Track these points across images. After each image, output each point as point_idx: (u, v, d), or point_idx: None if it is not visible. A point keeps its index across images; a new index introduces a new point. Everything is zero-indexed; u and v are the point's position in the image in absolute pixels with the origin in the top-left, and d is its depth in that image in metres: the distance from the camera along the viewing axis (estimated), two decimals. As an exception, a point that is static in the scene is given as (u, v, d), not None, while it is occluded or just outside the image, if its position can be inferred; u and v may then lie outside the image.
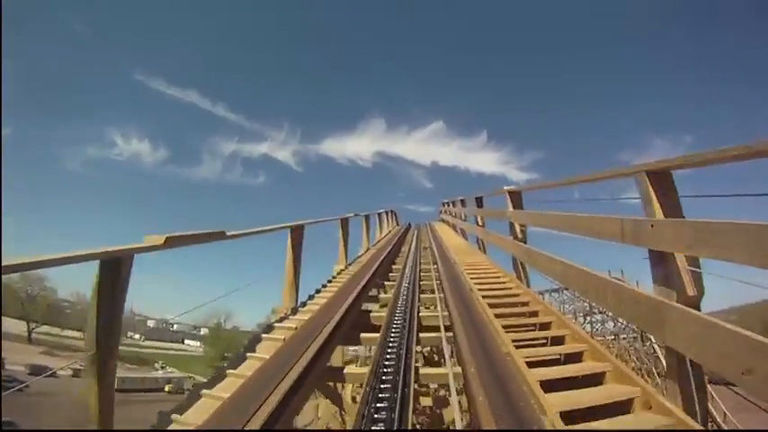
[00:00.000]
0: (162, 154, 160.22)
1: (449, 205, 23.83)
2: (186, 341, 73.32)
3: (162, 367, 57.78)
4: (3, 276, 2.81)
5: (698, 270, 3.18)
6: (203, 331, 68.60)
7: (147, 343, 62.01)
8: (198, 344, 64.86)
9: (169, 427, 3.26)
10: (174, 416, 3.36)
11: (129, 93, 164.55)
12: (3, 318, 46.39)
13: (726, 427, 15.48)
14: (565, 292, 28.70)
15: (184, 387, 46.15)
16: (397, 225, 25.44)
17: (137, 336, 54.97)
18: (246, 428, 2.57)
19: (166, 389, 46.41)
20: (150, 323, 77.29)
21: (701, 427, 2.90)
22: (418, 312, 5.62)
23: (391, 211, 24.45)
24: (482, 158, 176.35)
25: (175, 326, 74.84)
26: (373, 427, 2.64)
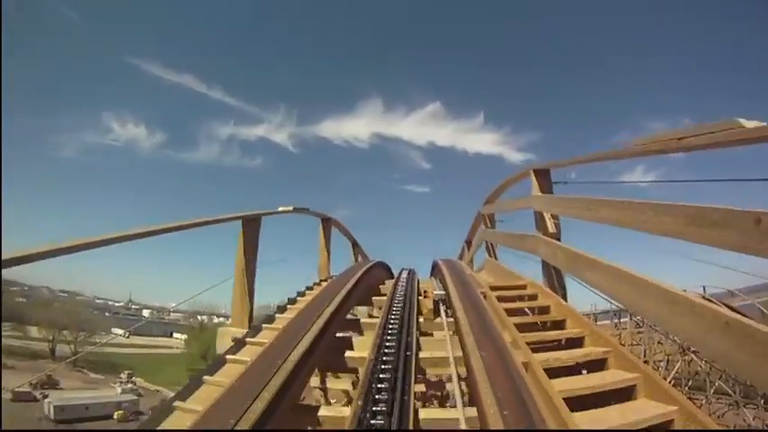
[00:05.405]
0: (159, 138, 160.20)
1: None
2: (175, 334, 71.24)
3: (128, 379, 52.26)
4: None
5: (556, 221, 6.42)
6: (201, 317, 68.66)
7: (131, 340, 59.04)
8: (185, 337, 63.90)
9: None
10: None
11: (124, 77, 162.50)
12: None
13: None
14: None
15: (140, 409, 41.23)
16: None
17: (120, 332, 52.44)
18: (238, 429, 2.54)
19: (115, 416, 39.79)
20: (146, 313, 75.72)
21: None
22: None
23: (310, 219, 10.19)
24: (479, 139, 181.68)
25: (172, 314, 74.02)
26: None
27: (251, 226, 6.43)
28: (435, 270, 9.26)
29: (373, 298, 7.19)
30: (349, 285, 6.29)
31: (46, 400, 39.18)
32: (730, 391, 15.98)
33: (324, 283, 7.77)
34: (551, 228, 6.32)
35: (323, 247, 9.67)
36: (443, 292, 6.22)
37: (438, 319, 5.82)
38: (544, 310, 5.62)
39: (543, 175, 6.67)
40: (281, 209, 7.41)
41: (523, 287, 6.50)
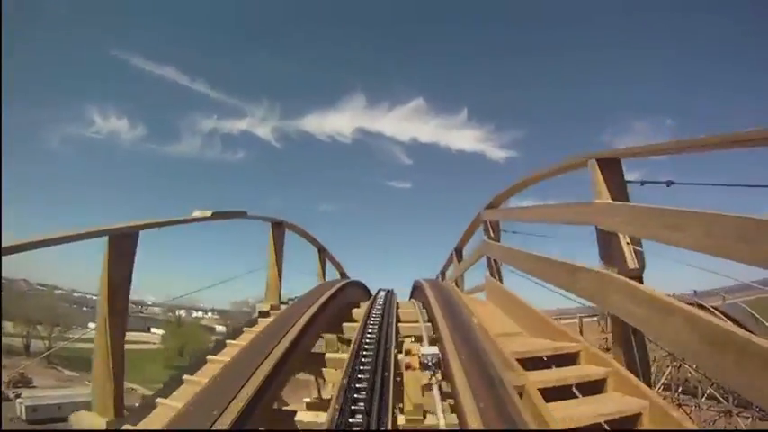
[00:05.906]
0: (140, 131, 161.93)
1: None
2: (152, 329, 68.89)
3: None
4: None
5: (639, 249, 3.79)
6: (179, 312, 67.74)
7: (107, 335, 58.12)
8: (162, 332, 63.09)
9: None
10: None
11: (105, 68, 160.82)
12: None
13: None
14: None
15: None
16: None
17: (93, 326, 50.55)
18: (215, 429, 2.47)
19: None
20: (123, 307, 74.37)
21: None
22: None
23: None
24: (462, 136, 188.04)
25: (150, 308, 71.59)
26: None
27: (121, 246, 3.83)
28: (417, 292, 7.60)
29: (327, 355, 4.73)
30: (285, 344, 3.84)
31: (18, 400, 36.15)
32: (722, 399, 14.32)
33: (264, 321, 5.35)
34: (631, 260, 3.70)
35: (272, 262, 7.19)
36: (436, 352, 3.79)
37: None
38: (626, 420, 3.04)
39: (611, 169, 4.02)
40: (195, 214, 4.87)
41: (574, 358, 3.84)
